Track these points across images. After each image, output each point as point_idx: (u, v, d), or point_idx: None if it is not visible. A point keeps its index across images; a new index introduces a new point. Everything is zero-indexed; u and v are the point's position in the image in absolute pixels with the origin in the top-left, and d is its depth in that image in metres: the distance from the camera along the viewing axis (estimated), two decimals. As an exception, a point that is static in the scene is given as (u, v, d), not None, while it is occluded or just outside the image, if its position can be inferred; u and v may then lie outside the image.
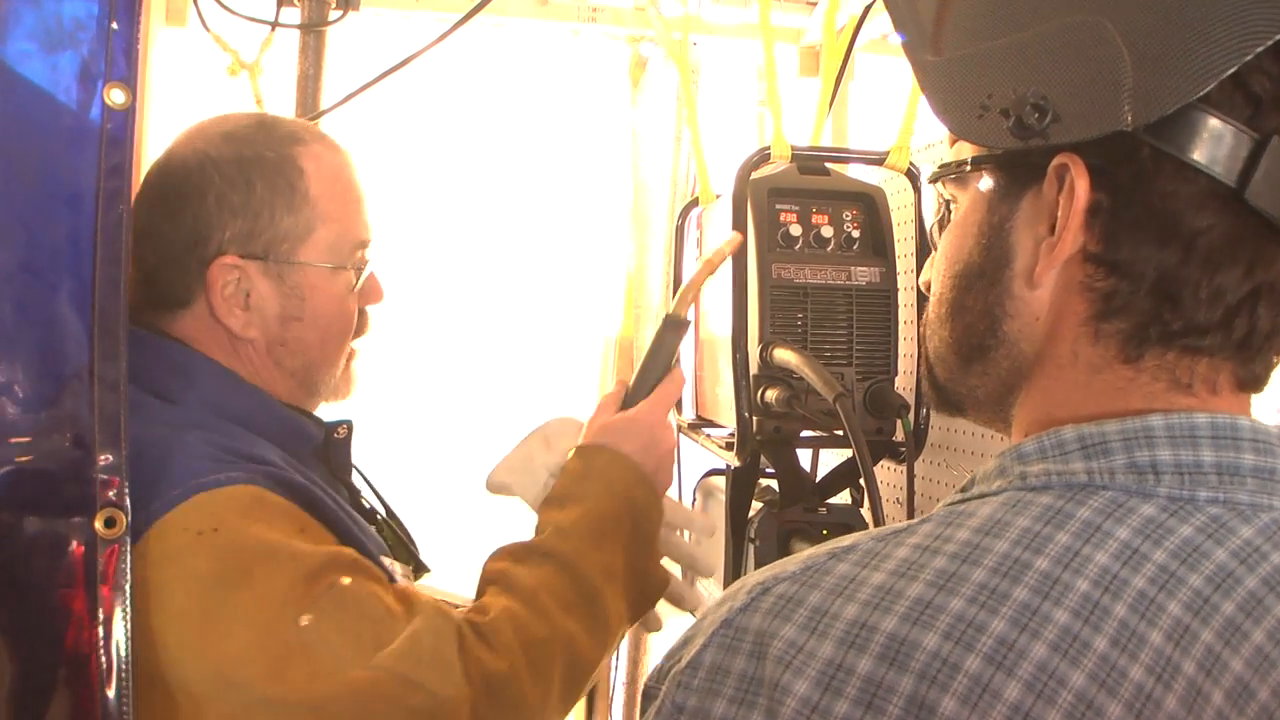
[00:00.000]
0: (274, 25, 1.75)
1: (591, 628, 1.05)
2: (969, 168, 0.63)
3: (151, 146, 1.17)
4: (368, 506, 1.24)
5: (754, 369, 1.26)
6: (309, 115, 1.74)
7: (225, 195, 1.08)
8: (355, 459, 1.25)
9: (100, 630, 0.88)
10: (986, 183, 0.62)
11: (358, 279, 1.15)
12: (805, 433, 1.31)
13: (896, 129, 1.37)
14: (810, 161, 1.35)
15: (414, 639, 0.93)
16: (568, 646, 1.02)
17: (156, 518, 0.92)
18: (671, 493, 1.23)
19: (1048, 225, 0.58)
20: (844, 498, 1.43)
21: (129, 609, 0.88)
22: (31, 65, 0.89)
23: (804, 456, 1.43)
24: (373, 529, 1.15)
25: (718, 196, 1.47)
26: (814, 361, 1.18)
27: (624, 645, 2.35)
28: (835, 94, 1.52)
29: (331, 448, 1.20)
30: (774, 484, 1.39)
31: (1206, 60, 0.50)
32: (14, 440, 0.89)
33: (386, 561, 1.09)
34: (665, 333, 1.22)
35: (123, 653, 0.88)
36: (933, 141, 1.49)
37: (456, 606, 1.04)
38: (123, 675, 0.88)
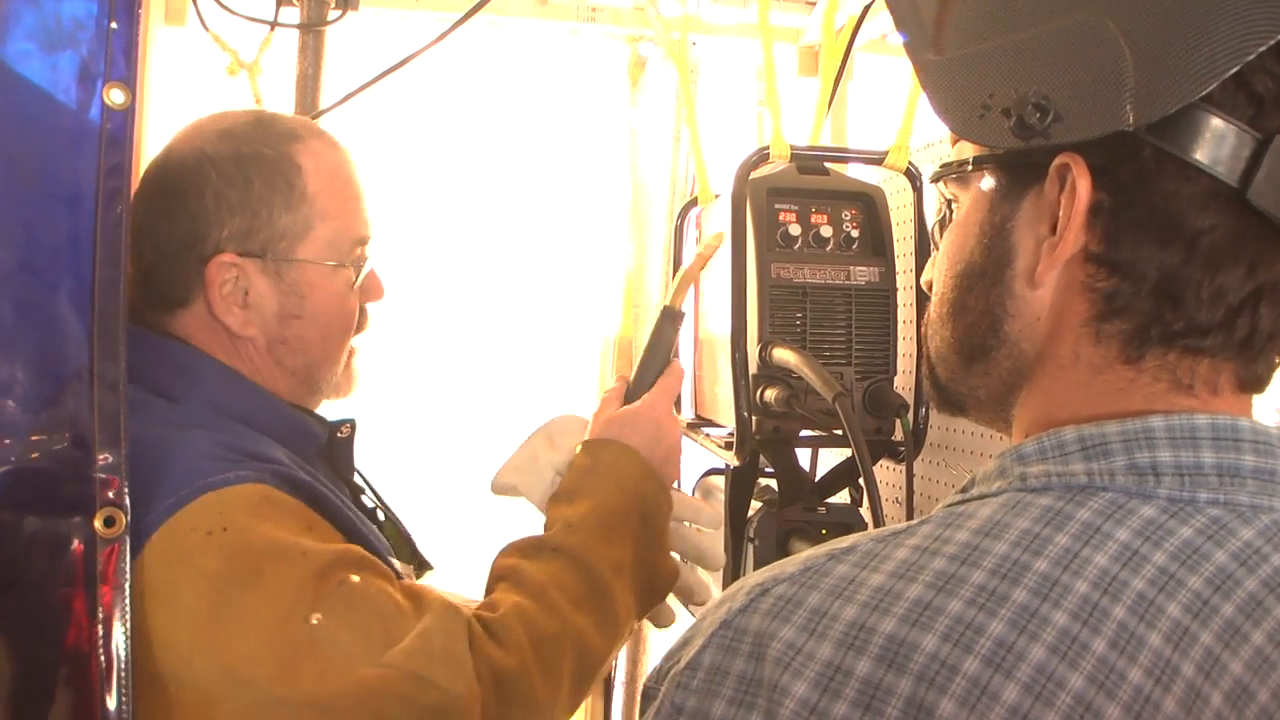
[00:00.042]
0: (273, 25, 1.75)
1: (601, 622, 1.05)
2: (970, 167, 0.63)
3: (151, 146, 1.17)
4: (369, 505, 1.24)
5: (753, 368, 1.26)
6: (308, 115, 1.74)
7: (222, 193, 1.07)
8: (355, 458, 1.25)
9: (100, 629, 0.88)
10: (988, 182, 0.62)
11: (357, 276, 1.14)
12: (804, 432, 1.32)
13: (895, 129, 1.37)
14: (809, 161, 1.35)
15: (425, 636, 0.93)
16: (577, 642, 1.02)
17: (165, 518, 0.92)
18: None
19: (1049, 225, 0.58)
20: (843, 497, 1.43)
21: (128, 608, 0.88)
22: (31, 65, 0.89)
23: (803, 456, 1.44)
24: (375, 528, 1.15)
25: (717, 196, 1.47)
26: (813, 361, 1.18)
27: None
28: (834, 94, 1.52)
29: (335, 447, 1.20)
30: (773, 483, 1.39)
31: (1208, 60, 0.50)
32: (13, 439, 0.89)
33: (392, 561, 1.09)
34: (663, 325, 1.22)
35: (122, 652, 0.88)
36: (932, 141, 1.49)
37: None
38: (122, 674, 0.88)
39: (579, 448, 1.18)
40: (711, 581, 1.32)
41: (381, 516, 1.26)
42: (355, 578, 0.95)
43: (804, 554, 0.56)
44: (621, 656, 2.35)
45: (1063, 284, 0.59)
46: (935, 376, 0.68)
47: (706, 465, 1.56)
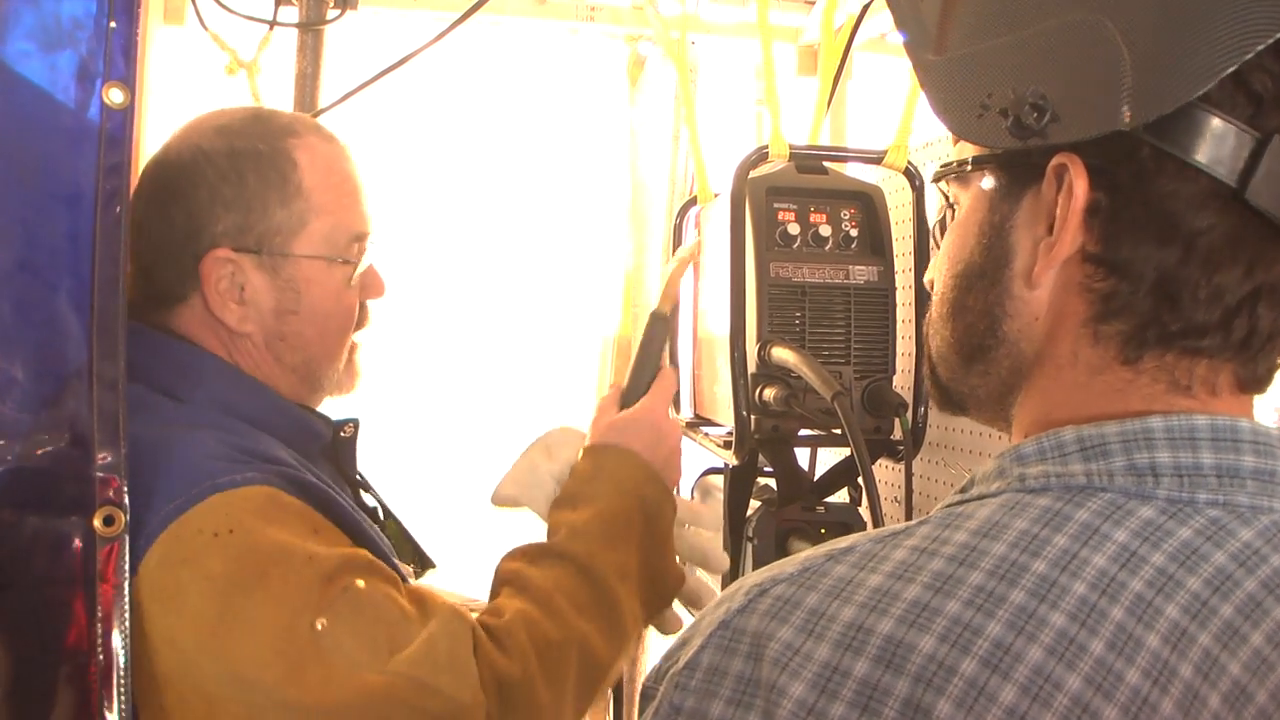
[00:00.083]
0: (272, 24, 1.75)
1: (606, 629, 1.04)
2: (969, 167, 0.63)
3: (150, 146, 1.17)
4: (371, 505, 1.24)
5: (752, 368, 1.26)
6: (307, 114, 1.74)
7: (217, 188, 1.07)
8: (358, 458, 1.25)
9: (99, 628, 0.88)
10: (987, 182, 0.62)
11: (355, 272, 1.14)
12: (803, 431, 1.32)
13: (894, 128, 1.37)
14: (808, 160, 1.35)
15: (430, 642, 0.93)
16: (582, 649, 1.02)
17: (172, 519, 0.91)
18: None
19: (1046, 225, 0.58)
20: (842, 496, 1.43)
21: (127, 607, 0.89)
22: (30, 65, 0.88)
23: (802, 455, 1.44)
24: (377, 528, 1.14)
25: (716, 195, 1.47)
26: (812, 360, 1.18)
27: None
28: (833, 93, 1.52)
29: (338, 446, 1.19)
30: (772, 483, 1.39)
31: (1206, 59, 0.50)
32: (12, 439, 0.89)
33: (395, 562, 1.09)
34: (652, 330, 1.23)
35: (121, 651, 0.88)
36: (931, 140, 1.49)
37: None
38: (121, 673, 0.88)
39: (580, 453, 1.18)
40: (715, 584, 1.32)
41: (383, 516, 1.26)
42: (360, 583, 0.94)
43: (803, 554, 0.56)
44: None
45: (1061, 284, 0.58)
46: (936, 376, 0.68)
47: (705, 464, 1.56)
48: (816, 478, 1.43)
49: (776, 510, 1.34)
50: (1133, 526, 0.52)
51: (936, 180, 0.67)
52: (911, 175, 1.37)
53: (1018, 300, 0.61)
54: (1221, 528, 0.52)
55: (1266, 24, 0.49)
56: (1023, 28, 0.57)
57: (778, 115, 1.36)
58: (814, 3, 2.22)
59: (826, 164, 1.37)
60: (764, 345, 1.24)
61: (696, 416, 1.52)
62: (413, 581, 1.12)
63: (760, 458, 1.39)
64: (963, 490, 0.61)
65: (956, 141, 0.66)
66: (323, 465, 1.15)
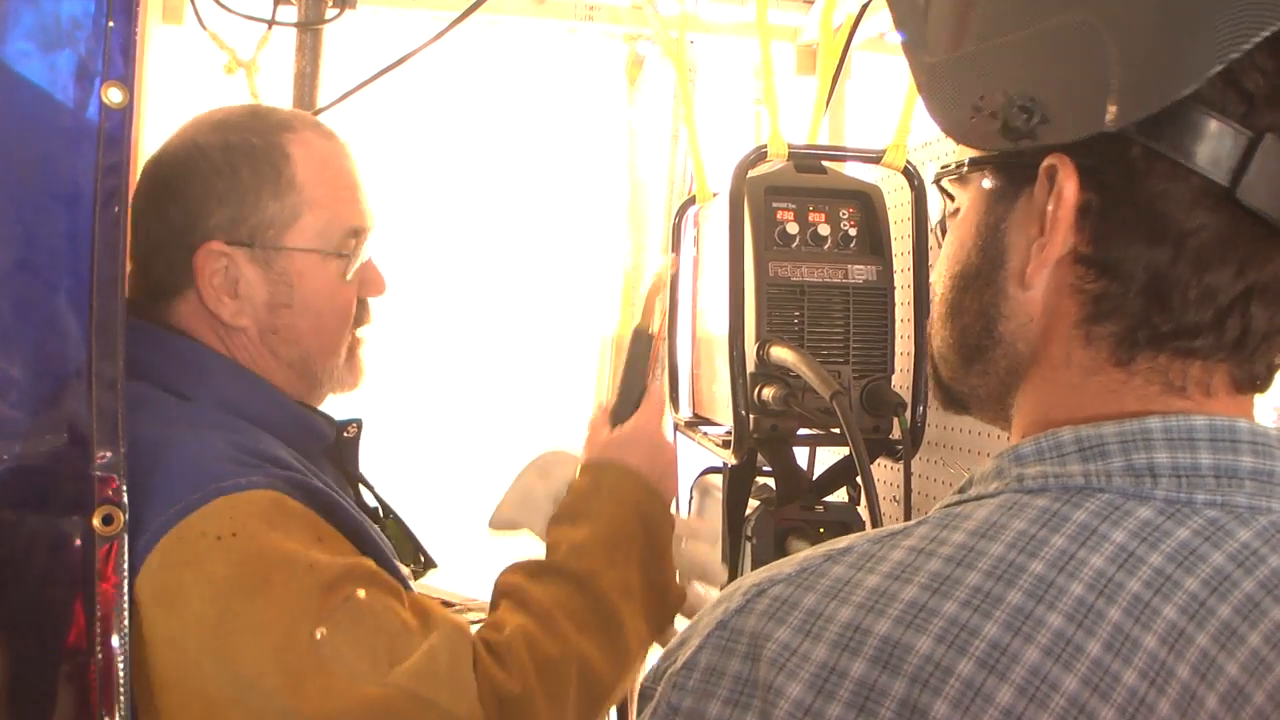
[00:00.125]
0: (271, 23, 1.75)
1: (608, 648, 1.04)
2: (967, 168, 0.63)
3: (149, 145, 1.17)
4: (372, 505, 1.23)
5: (751, 367, 1.27)
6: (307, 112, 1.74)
7: (210, 182, 1.07)
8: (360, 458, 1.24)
9: (98, 627, 0.88)
10: (984, 183, 0.62)
11: (350, 266, 1.13)
12: (802, 431, 1.32)
13: (893, 127, 1.37)
14: (807, 160, 1.35)
15: (430, 655, 0.92)
16: (583, 667, 1.01)
17: (175, 521, 0.91)
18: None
19: (1039, 226, 0.58)
20: (841, 495, 1.43)
21: (126, 606, 0.89)
22: (30, 65, 0.88)
23: (801, 454, 1.44)
24: (379, 530, 1.14)
25: (715, 195, 1.47)
26: (811, 359, 1.18)
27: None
28: (832, 92, 1.52)
29: (341, 447, 1.19)
30: (771, 482, 1.39)
31: (1193, 59, 0.50)
32: (12, 438, 0.89)
33: (397, 564, 1.08)
34: (636, 347, 1.22)
35: (120, 649, 0.88)
36: (930, 139, 1.49)
37: (456, 606, 1.04)
38: (120, 671, 0.88)
39: (578, 470, 1.18)
40: (714, 597, 1.31)
41: (384, 516, 1.25)
42: (362, 593, 0.94)
43: (801, 554, 0.56)
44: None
45: (1054, 285, 0.59)
46: (939, 376, 0.68)
47: (704, 464, 1.56)
48: (815, 477, 1.43)
49: (775, 509, 1.34)
50: (1131, 527, 0.52)
51: (936, 181, 0.67)
52: (910, 175, 1.37)
53: (1012, 301, 0.61)
54: (1220, 528, 0.52)
55: (1255, 23, 0.49)
56: (1016, 30, 0.57)
57: (776, 114, 1.36)
58: (813, 2, 2.22)
59: (825, 163, 1.37)
60: (763, 344, 1.24)
61: (695, 416, 1.52)
62: (413, 582, 1.12)
63: (759, 457, 1.39)
64: (961, 490, 0.61)
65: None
66: (324, 465, 1.15)
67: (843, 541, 0.56)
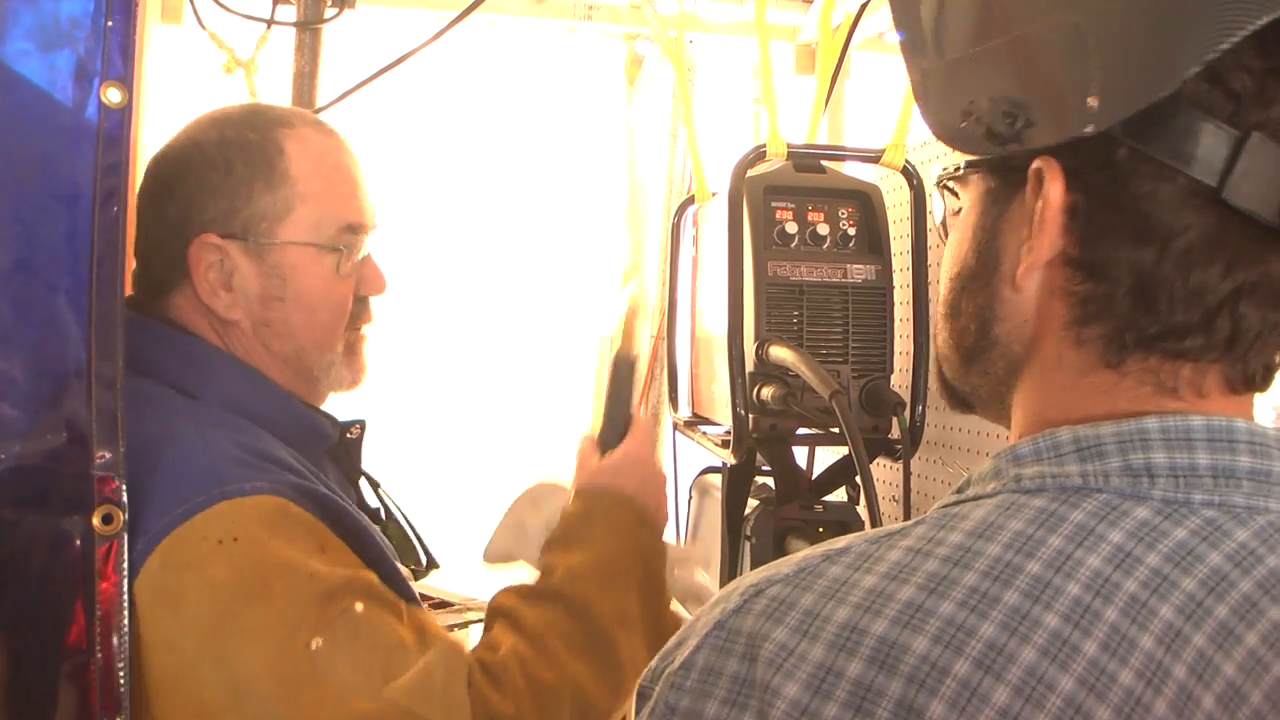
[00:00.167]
0: (270, 23, 1.75)
1: (601, 673, 1.03)
2: (962, 171, 0.64)
3: (148, 145, 1.17)
4: (373, 506, 1.23)
5: (750, 366, 1.27)
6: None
7: (205, 175, 1.08)
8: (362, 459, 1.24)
9: (98, 627, 0.88)
10: (981, 186, 0.63)
11: (345, 261, 1.12)
12: (801, 430, 1.32)
13: (892, 127, 1.37)
14: (806, 159, 1.35)
15: (425, 673, 0.92)
16: (576, 692, 1.01)
17: (178, 523, 0.91)
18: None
19: (1029, 228, 0.58)
20: (840, 495, 1.44)
21: (126, 605, 0.89)
22: (29, 64, 0.89)
23: (800, 454, 1.44)
24: (378, 529, 1.14)
25: (713, 194, 1.47)
26: (810, 359, 1.18)
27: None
28: (831, 92, 1.52)
29: (344, 448, 1.19)
30: (770, 481, 1.39)
31: (1173, 59, 0.50)
32: (11, 438, 0.89)
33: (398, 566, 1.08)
34: (619, 373, 1.22)
35: (120, 648, 0.88)
36: (928, 139, 1.49)
37: (455, 606, 1.04)
38: (120, 670, 0.88)
39: (571, 495, 1.17)
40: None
41: (385, 517, 1.25)
42: (360, 606, 0.94)
43: (799, 554, 0.56)
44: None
45: (1044, 287, 0.59)
46: (943, 375, 0.69)
47: (703, 464, 1.57)
48: (814, 476, 1.43)
49: (774, 509, 1.34)
50: (1128, 527, 0.52)
51: (938, 184, 0.68)
52: (909, 174, 1.37)
53: (1006, 303, 0.61)
54: (1217, 528, 0.52)
55: (1234, 23, 0.49)
56: (1003, 34, 0.58)
57: (775, 114, 1.36)
58: (812, 2, 2.22)
59: (824, 163, 1.37)
60: (762, 344, 1.25)
61: (694, 415, 1.52)
62: (414, 582, 1.12)
63: (758, 456, 1.39)
64: (959, 490, 0.61)
65: None
66: (326, 466, 1.15)
67: (840, 542, 0.56)
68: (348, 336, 1.16)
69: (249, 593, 0.90)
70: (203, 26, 1.72)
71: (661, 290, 2.27)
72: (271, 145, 1.09)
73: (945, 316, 0.66)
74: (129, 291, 1.14)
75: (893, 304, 1.31)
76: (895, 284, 1.32)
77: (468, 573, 1.23)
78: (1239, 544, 0.52)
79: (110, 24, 0.90)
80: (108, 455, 0.89)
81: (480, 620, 1.09)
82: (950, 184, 0.67)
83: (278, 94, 1.79)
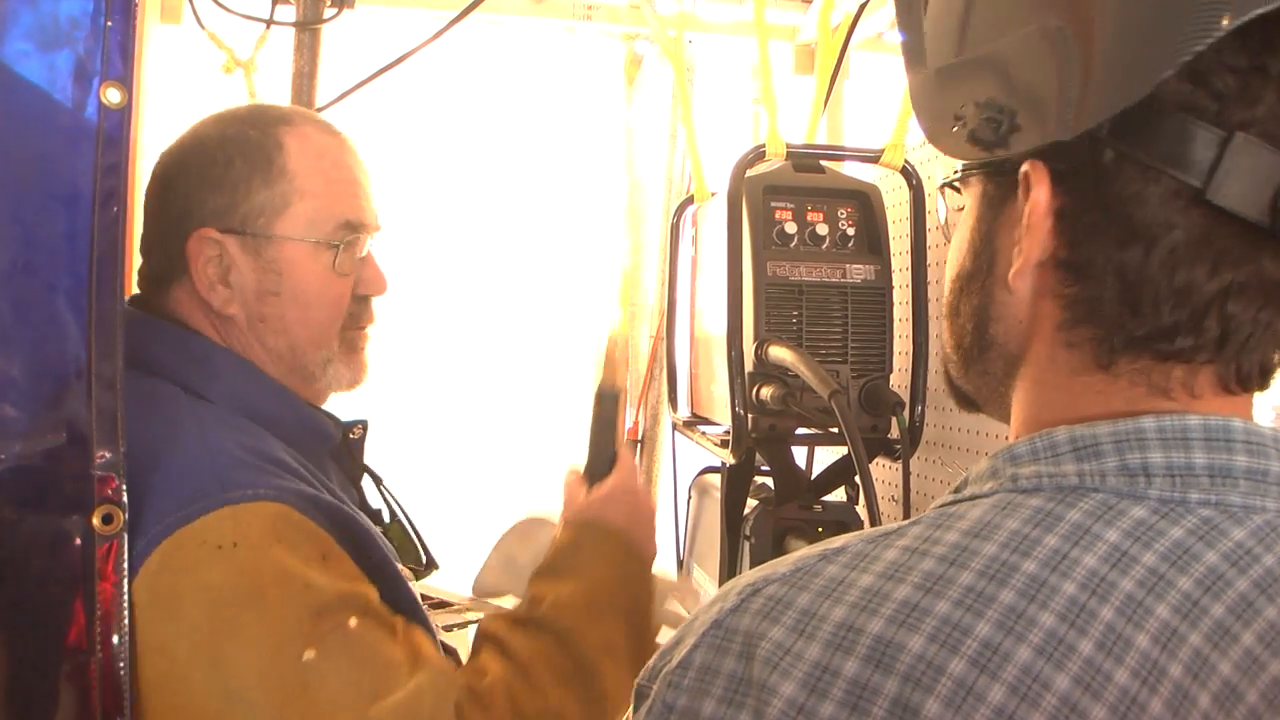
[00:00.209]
0: (269, 23, 1.75)
1: (585, 704, 1.03)
2: (960, 174, 0.64)
3: (147, 145, 1.18)
4: (375, 508, 1.23)
5: (749, 366, 1.27)
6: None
7: (206, 171, 1.09)
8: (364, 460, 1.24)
9: (98, 627, 0.88)
10: (979, 189, 0.63)
11: (340, 258, 1.12)
12: (800, 430, 1.32)
13: (891, 127, 1.37)
14: (805, 159, 1.35)
15: (415, 696, 0.92)
16: None
17: (178, 526, 0.91)
18: (665, 498, 1.23)
19: (1021, 231, 0.59)
20: (839, 495, 1.44)
21: (126, 606, 0.89)
22: (29, 65, 0.89)
23: (799, 454, 1.44)
24: (379, 531, 1.14)
25: (713, 194, 1.47)
26: (809, 359, 1.18)
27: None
28: (830, 92, 1.53)
29: (347, 448, 1.19)
30: (769, 481, 1.40)
31: (1150, 62, 0.50)
32: (11, 438, 0.89)
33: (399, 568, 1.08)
34: (603, 405, 1.22)
35: (120, 648, 0.88)
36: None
37: (455, 606, 1.04)
38: (121, 670, 0.88)
39: (560, 527, 1.17)
40: (699, 588, 1.32)
41: (387, 518, 1.25)
42: (354, 622, 0.93)
43: (796, 554, 0.57)
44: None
45: (1036, 289, 0.59)
46: (948, 375, 0.69)
47: (702, 464, 1.57)
48: (814, 476, 1.43)
49: (774, 509, 1.34)
50: (1124, 526, 0.52)
51: (941, 188, 0.68)
52: (909, 174, 1.38)
53: (1001, 304, 0.61)
54: (1214, 527, 0.52)
55: (1210, 23, 0.48)
56: (992, 40, 0.58)
57: (775, 114, 1.36)
58: (811, 2, 2.23)
59: (823, 163, 1.37)
60: (761, 344, 1.25)
61: (693, 415, 1.52)
62: (414, 583, 1.12)
63: (757, 456, 1.39)
64: (956, 490, 0.61)
65: None
66: (328, 466, 1.15)
67: (837, 541, 0.57)
68: (349, 336, 1.16)
69: (244, 598, 0.90)
70: (202, 26, 1.72)
71: (661, 290, 2.27)
72: (271, 141, 1.10)
73: (947, 317, 0.67)
74: (136, 288, 1.15)
75: (892, 304, 1.31)
76: (894, 284, 1.33)
77: (469, 573, 1.23)
78: (1236, 543, 0.52)
79: (110, 24, 0.90)
80: (108, 455, 0.89)
81: (479, 622, 1.08)
82: (956, 184, 0.67)
83: (277, 94, 1.79)
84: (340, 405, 1.23)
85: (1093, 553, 0.51)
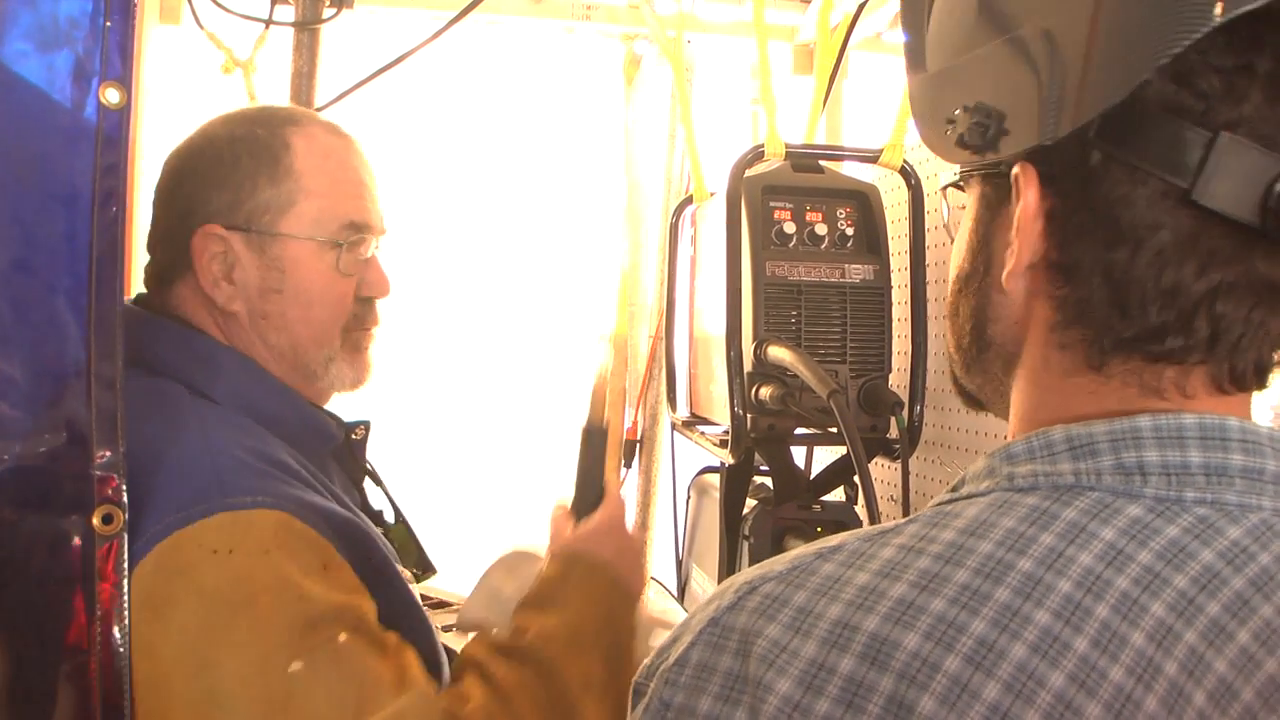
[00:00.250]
0: (268, 23, 1.75)
1: None
2: (960, 175, 0.65)
3: (147, 145, 1.18)
4: (376, 509, 1.23)
5: (748, 366, 1.27)
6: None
7: (212, 169, 1.10)
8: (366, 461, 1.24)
9: (98, 627, 0.88)
10: (977, 191, 0.64)
11: (344, 258, 1.13)
12: (799, 430, 1.32)
13: (890, 126, 1.37)
14: (804, 159, 1.35)
15: (398, 717, 0.91)
16: None
17: (175, 528, 0.91)
18: (664, 496, 1.23)
19: (1014, 233, 0.59)
20: (838, 495, 1.44)
21: (126, 605, 0.89)
22: (28, 65, 0.89)
23: (798, 454, 1.44)
24: (380, 533, 1.14)
25: (712, 194, 1.47)
26: (808, 359, 1.19)
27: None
28: (829, 92, 1.53)
29: (349, 449, 1.19)
30: (768, 481, 1.40)
31: (1128, 64, 0.50)
32: (11, 438, 0.89)
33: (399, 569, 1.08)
34: (589, 442, 1.22)
35: (120, 648, 0.88)
36: (926, 139, 1.49)
37: (455, 606, 1.03)
38: (120, 670, 0.88)
39: (548, 559, 1.16)
40: (697, 588, 1.31)
41: (390, 519, 1.25)
42: (344, 637, 0.93)
43: (793, 552, 0.57)
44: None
45: (1029, 290, 0.60)
46: (954, 374, 0.70)
47: (701, 463, 1.57)
48: (813, 476, 1.43)
49: (773, 509, 1.34)
50: (1120, 525, 0.52)
51: (944, 189, 0.69)
52: (907, 174, 1.38)
53: (997, 305, 0.62)
54: (1209, 526, 0.52)
55: (1190, 24, 0.49)
56: (980, 45, 0.59)
57: (774, 114, 1.36)
58: (810, 1, 2.23)
59: (822, 163, 1.37)
60: (760, 344, 1.25)
61: (692, 415, 1.52)
62: (413, 585, 1.12)
63: (756, 456, 1.39)
64: (953, 489, 0.61)
65: None
66: (330, 467, 1.15)
67: (834, 539, 0.57)
68: (354, 336, 1.17)
69: (237, 605, 0.89)
70: (201, 27, 1.72)
71: (660, 290, 2.27)
72: (278, 140, 1.11)
73: (948, 317, 0.67)
74: (142, 285, 1.16)
75: (890, 304, 1.31)
76: (893, 284, 1.33)
77: (469, 574, 1.23)
78: (1231, 541, 0.52)
79: (109, 24, 0.90)
80: (108, 455, 0.89)
81: (464, 645, 1.08)
82: (959, 184, 0.68)
83: (276, 94, 1.79)
84: (342, 406, 1.23)
85: (1088, 551, 0.51)
